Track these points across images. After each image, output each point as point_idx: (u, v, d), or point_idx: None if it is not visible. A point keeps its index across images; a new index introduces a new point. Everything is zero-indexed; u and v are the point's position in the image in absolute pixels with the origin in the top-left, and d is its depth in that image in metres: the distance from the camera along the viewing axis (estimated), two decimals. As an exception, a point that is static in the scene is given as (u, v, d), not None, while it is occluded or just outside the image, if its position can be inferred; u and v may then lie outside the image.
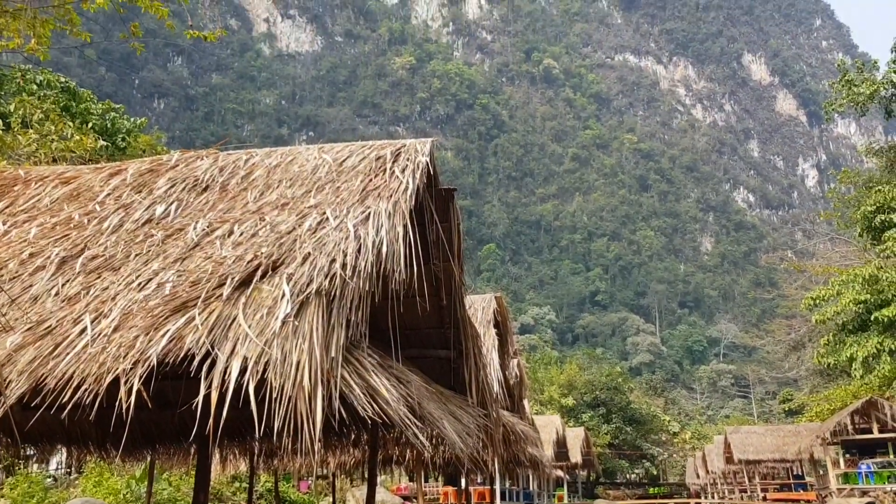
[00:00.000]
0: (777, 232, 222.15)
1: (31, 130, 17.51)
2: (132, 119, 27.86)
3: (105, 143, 22.96)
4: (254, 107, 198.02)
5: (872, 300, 23.27)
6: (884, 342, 22.26)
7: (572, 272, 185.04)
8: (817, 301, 25.52)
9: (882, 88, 25.22)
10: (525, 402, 18.69)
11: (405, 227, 4.65)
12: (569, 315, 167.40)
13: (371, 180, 5.27)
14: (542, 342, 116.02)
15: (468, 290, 9.82)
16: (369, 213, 4.64)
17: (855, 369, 23.55)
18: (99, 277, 4.28)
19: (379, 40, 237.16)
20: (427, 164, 5.56)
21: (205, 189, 5.40)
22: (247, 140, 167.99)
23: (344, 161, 5.69)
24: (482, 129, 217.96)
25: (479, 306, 12.41)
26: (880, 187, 24.52)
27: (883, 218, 23.23)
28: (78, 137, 18.90)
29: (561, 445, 39.96)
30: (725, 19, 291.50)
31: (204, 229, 4.69)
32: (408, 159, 5.51)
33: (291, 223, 4.62)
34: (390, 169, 5.38)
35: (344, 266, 3.97)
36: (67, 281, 4.29)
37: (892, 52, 25.29)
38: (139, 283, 4.10)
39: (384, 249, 4.31)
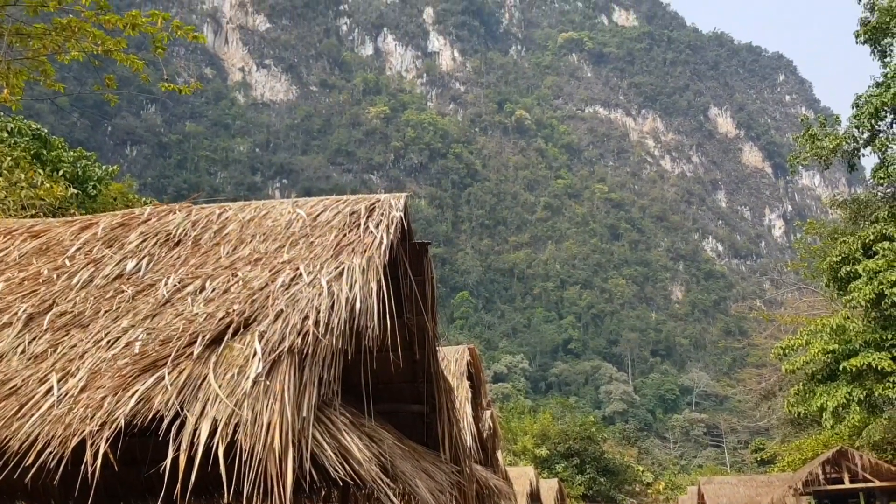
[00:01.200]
0: (746, 281, 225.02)
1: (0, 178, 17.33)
2: (104, 166, 27.70)
3: (75, 191, 22.79)
4: (227, 154, 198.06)
5: (841, 350, 23.56)
6: (853, 392, 22.47)
7: (545, 320, 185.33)
8: (787, 350, 25.78)
9: (844, 143, 25.86)
10: (499, 453, 18.51)
11: (379, 282, 4.65)
12: (542, 363, 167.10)
13: (345, 235, 5.28)
14: (515, 391, 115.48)
15: (441, 342, 9.80)
16: (343, 269, 4.64)
17: (825, 419, 23.69)
18: (67, 335, 4.22)
19: (354, 90, 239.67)
20: (401, 219, 5.59)
21: (177, 244, 5.37)
22: (220, 187, 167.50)
23: (318, 216, 5.70)
24: (455, 177, 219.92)
25: (452, 358, 12.36)
26: (845, 238, 24.99)
27: (848, 269, 23.62)
28: (48, 185, 18.77)
29: (535, 498, 39.40)
30: (692, 74, 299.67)
31: (175, 285, 4.66)
32: (382, 214, 5.54)
33: (264, 279, 4.60)
34: (364, 224, 5.40)
35: (317, 323, 3.96)
36: (34, 338, 4.22)
37: (852, 108, 26.04)
38: (108, 342, 4.04)
39: (357, 305, 4.31)
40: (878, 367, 21.62)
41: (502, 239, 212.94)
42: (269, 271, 4.74)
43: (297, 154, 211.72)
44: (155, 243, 5.36)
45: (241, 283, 4.59)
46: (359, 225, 5.41)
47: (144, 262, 5.10)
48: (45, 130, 26.37)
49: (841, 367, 22.80)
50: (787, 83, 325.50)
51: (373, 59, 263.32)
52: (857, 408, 22.68)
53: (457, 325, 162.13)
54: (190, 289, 4.60)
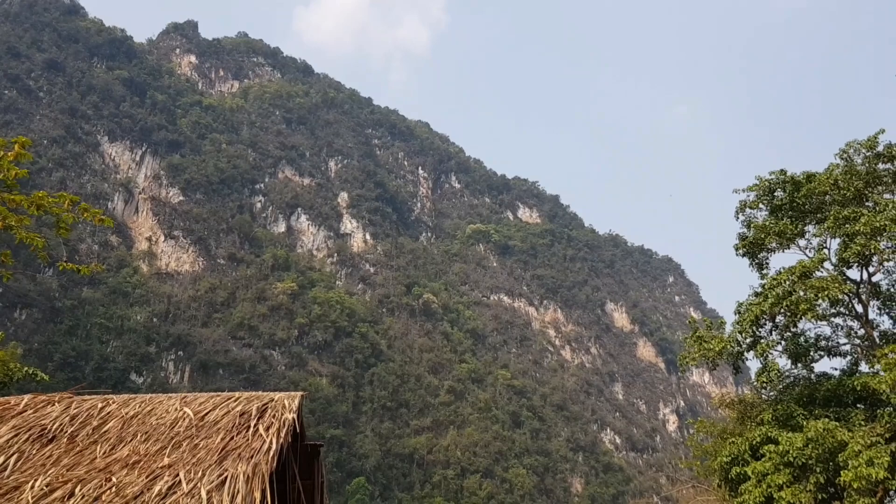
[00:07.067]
0: (643, 475, 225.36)
1: None
2: (-15, 333, 26.24)
3: (-51, 359, 21.40)
4: (123, 323, 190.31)
5: (736, 554, 23.55)
6: None
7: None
8: (683, 554, 25.56)
9: (729, 346, 27.44)
10: None
11: (263, 491, 4.49)
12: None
13: (233, 438, 5.13)
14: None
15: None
16: (226, 477, 4.47)
17: None
18: None
19: (262, 265, 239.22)
20: (294, 421, 5.50)
21: (51, 440, 5.07)
22: (111, 356, 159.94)
23: (206, 414, 5.53)
24: (360, 357, 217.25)
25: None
26: (733, 440, 25.78)
27: (738, 470, 24.18)
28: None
29: None
30: (590, 270, 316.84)
31: (42, 489, 4.34)
32: (274, 416, 5.44)
33: (140, 486, 4.36)
34: (254, 427, 5.27)
35: (191, 541, 3.76)
36: None
37: (735, 314, 27.94)
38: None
39: (238, 518, 4.13)
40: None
41: (404, 422, 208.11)
42: (147, 477, 4.51)
43: (197, 326, 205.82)
44: (27, 439, 5.04)
45: (114, 489, 4.33)
46: (248, 427, 5.28)
47: (13, 459, 4.76)
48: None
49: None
50: (676, 284, 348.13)
51: (284, 237, 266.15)
52: None
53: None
54: (58, 494, 4.30)
